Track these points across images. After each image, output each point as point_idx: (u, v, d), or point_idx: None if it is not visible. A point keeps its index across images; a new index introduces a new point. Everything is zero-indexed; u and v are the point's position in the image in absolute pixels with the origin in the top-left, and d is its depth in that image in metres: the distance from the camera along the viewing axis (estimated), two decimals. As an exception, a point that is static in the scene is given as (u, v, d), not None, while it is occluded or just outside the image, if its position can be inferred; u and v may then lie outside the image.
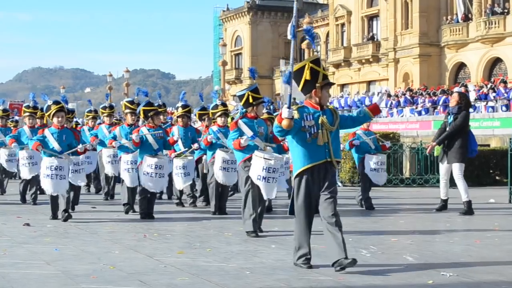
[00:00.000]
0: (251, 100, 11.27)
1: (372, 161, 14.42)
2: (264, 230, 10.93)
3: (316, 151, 7.76)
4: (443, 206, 13.91)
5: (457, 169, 13.52)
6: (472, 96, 35.89)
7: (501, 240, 10.27)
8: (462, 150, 13.51)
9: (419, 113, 39.22)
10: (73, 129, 13.86)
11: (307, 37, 8.53)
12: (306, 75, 7.83)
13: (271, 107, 14.33)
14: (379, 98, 10.74)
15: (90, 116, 18.21)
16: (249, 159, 10.34)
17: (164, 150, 13.22)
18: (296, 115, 7.69)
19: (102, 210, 13.92)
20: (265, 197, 10.24)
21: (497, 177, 23.05)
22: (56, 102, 12.43)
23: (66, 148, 12.18)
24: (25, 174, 14.84)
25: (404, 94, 42.18)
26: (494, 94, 35.76)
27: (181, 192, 14.97)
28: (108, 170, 15.91)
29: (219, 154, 12.71)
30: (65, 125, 12.48)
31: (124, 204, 13.47)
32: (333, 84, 8.11)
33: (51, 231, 10.86)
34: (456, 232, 11.02)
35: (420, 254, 8.86)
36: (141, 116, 13.15)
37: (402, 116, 40.29)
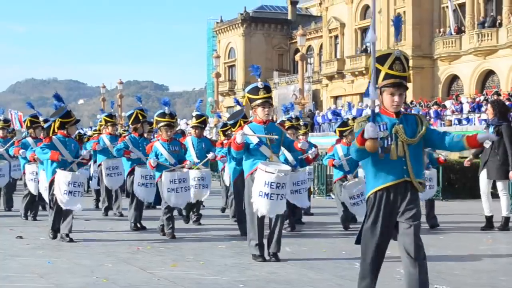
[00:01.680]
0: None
1: None
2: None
3: (390, 168, 6.28)
4: (489, 224, 12.92)
5: (504, 185, 12.97)
6: (466, 108, 36.02)
7: (494, 252, 10.28)
8: (506, 167, 12.64)
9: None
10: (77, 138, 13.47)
11: (392, 25, 7.29)
12: (369, 75, 6.52)
13: (294, 114, 13.49)
14: (487, 136, 6.73)
15: (109, 124, 16.44)
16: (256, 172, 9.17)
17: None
18: (382, 134, 6.20)
19: (96, 223, 13.86)
20: (266, 215, 9.06)
21: (491, 190, 23.00)
22: (71, 111, 11.72)
23: (74, 157, 11.31)
24: (33, 189, 13.83)
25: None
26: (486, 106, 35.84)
27: (192, 206, 13.72)
28: (107, 183, 15.01)
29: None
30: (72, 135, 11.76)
31: (132, 223, 12.80)
32: (399, 84, 6.35)
33: (44, 243, 10.83)
34: (450, 245, 11.02)
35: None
36: (154, 125, 12.42)
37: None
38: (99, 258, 9.40)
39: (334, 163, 12.89)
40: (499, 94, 36.97)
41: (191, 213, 13.76)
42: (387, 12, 54.24)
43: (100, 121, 17.17)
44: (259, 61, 72.07)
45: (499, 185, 12.94)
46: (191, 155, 13.44)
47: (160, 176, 11.52)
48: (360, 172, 13.22)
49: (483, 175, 12.98)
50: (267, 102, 9.45)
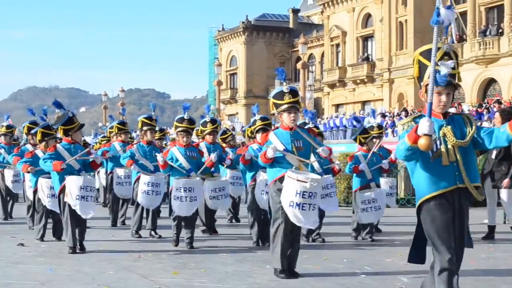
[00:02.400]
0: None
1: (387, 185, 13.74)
2: (259, 249, 10.92)
3: (441, 174, 5.81)
4: (490, 234, 12.91)
5: (509, 195, 12.65)
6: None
7: (496, 261, 10.27)
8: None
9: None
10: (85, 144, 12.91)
11: (445, 19, 6.11)
12: (415, 71, 6.07)
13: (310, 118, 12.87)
14: None
15: (122, 131, 16.06)
16: (281, 179, 8.58)
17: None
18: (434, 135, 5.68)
19: (97, 230, 13.85)
20: (300, 225, 8.48)
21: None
22: (74, 115, 11.12)
23: (81, 165, 10.85)
24: (31, 195, 13.22)
25: (399, 115, 42.26)
26: (488, 114, 35.86)
27: (212, 218, 13.51)
28: (117, 191, 14.57)
29: (263, 176, 11.21)
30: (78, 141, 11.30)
31: (134, 230, 12.71)
32: (447, 82, 5.80)
33: (45, 251, 10.83)
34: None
35: (415, 275, 8.84)
36: (174, 130, 11.87)
37: (396, 136, 40.36)
38: (100, 265, 9.40)
39: (360, 167, 12.45)
40: (500, 103, 36.99)
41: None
42: (388, 20, 54.30)
43: (110, 128, 16.90)
44: (260, 69, 72.34)
45: (504, 194, 12.77)
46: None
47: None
48: (382, 182, 13.41)
49: (487, 185, 12.92)
50: (294, 107, 8.76)
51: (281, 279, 8.42)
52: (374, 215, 12.39)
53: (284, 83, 8.91)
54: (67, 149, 10.78)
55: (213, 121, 13.79)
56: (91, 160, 10.91)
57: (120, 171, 14.39)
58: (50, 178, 11.35)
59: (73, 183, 10.47)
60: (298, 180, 8.25)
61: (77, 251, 10.57)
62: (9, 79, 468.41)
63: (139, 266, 9.38)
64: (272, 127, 11.41)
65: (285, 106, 8.72)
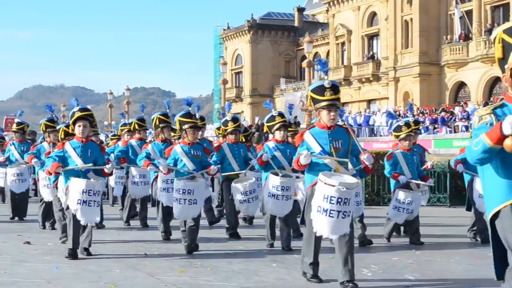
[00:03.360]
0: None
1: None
2: (264, 248, 10.92)
3: None
4: None
5: None
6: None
7: None
8: None
9: (419, 132, 39.19)
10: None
11: None
12: (498, 51, 5.03)
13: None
14: None
15: (125, 130, 16.06)
16: None
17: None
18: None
19: (103, 228, 13.86)
20: (327, 236, 7.76)
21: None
22: (82, 109, 10.19)
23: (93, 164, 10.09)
24: (46, 195, 13.06)
25: (406, 113, 42.22)
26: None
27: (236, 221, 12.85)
28: (132, 192, 14.08)
29: (271, 179, 10.74)
30: (91, 138, 10.61)
31: (162, 232, 12.13)
32: None
33: (51, 249, 10.84)
34: (457, 251, 11.00)
35: (421, 273, 8.84)
36: (177, 127, 11.11)
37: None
38: (106, 264, 9.40)
39: (402, 180, 11.72)
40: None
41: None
42: (394, 19, 54.24)
43: (122, 126, 16.60)
44: (265, 68, 72.31)
45: None
46: (231, 163, 12.41)
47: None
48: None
49: None
50: (334, 105, 7.92)
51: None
52: (403, 217, 11.88)
53: (326, 77, 8.16)
54: (75, 147, 9.96)
55: (235, 119, 12.92)
56: (102, 167, 10.07)
57: (134, 171, 13.86)
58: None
59: (75, 186, 9.78)
60: (326, 184, 7.50)
61: (79, 256, 9.87)
62: (15, 78, 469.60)
63: (146, 265, 9.38)
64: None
65: (325, 103, 7.88)
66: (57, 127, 12.10)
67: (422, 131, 38.77)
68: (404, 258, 10.08)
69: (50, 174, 11.42)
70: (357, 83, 60.76)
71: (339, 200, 7.45)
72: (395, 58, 54.23)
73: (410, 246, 11.53)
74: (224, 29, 78.58)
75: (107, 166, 10.06)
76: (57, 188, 11.25)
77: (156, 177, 12.53)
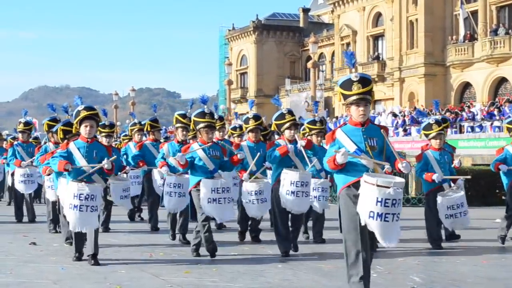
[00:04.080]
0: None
1: None
2: (270, 251, 10.91)
3: None
4: None
5: None
6: (479, 115, 35.97)
7: (508, 260, 10.24)
8: None
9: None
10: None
11: None
12: None
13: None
14: None
15: (136, 129, 15.76)
16: (355, 185, 7.16)
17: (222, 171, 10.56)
18: None
19: (108, 229, 13.85)
20: (383, 243, 7.07)
21: (503, 197, 22.96)
22: (88, 108, 9.74)
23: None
24: (51, 196, 12.67)
25: (411, 114, 42.16)
26: (499, 113, 35.74)
27: (255, 223, 12.26)
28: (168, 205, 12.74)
29: (286, 175, 10.38)
30: (96, 138, 10.12)
31: (173, 234, 12.15)
32: None
33: (57, 250, 10.85)
34: (463, 252, 10.98)
35: (427, 274, 8.84)
36: (192, 127, 10.69)
37: (407, 135, 40.27)
38: (112, 264, 9.40)
39: (436, 179, 11.30)
40: (511, 102, 36.84)
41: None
42: (399, 19, 54.17)
43: (131, 126, 16.30)
44: (270, 69, 72.28)
45: None
46: (249, 163, 11.73)
47: (196, 185, 10.12)
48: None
49: None
50: (364, 99, 7.31)
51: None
52: (461, 221, 11.40)
53: (353, 70, 7.57)
54: (80, 148, 9.53)
55: (256, 117, 12.24)
56: (101, 164, 9.54)
57: (157, 174, 13.19)
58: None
59: (67, 190, 9.45)
60: (378, 186, 6.86)
61: (83, 259, 9.59)
62: (21, 79, 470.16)
63: (151, 266, 9.38)
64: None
65: (354, 97, 7.30)
66: (55, 127, 11.82)
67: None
68: (410, 259, 10.07)
69: (49, 174, 11.70)
70: (362, 84, 60.65)
71: (394, 202, 6.90)
72: (400, 59, 54.16)
73: (415, 247, 11.52)
74: (229, 30, 78.57)
75: (104, 161, 9.44)
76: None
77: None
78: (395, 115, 42.66)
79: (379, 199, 6.83)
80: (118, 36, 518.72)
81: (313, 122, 12.17)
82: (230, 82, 60.52)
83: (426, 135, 11.75)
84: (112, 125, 13.68)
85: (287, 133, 10.72)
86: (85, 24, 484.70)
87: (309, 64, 45.75)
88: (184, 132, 11.78)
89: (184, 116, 11.69)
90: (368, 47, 60.58)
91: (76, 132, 10.22)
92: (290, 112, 10.81)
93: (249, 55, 75.21)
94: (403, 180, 7.14)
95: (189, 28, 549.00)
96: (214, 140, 10.66)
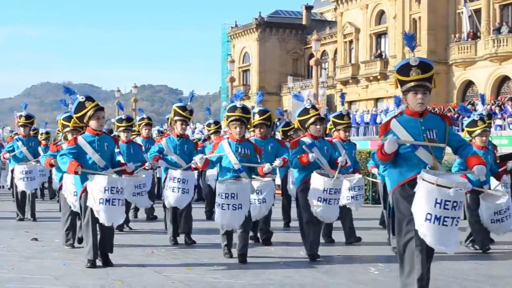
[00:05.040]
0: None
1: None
2: (272, 248, 10.91)
3: None
4: None
5: None
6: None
7: (509, 258, 10.22)
8: None
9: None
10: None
11: None
12: None
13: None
14: None
15: (143, 124, 15.39)
16: (411, 183, 6.51)
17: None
18: None
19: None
20: (437, 248, 6.36)
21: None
22: (90, 98, 9.03)
23: (109, 162, 9.06)
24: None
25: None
26: (501, 112, 35.75)
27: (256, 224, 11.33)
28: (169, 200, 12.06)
29: (317, 180, 9.60)
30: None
31: (170, 237, 11.22)
32: None
33: (59, 246, 10.84)
34: (465, 249, 10.97)
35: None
36: (225, 122, 10.11)
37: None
38: (114, 260, 9.37)
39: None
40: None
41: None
42: (402, 17, 54.16)
43: (140, 120, 15.86)
44: (273, 66, 72.30)
45: None
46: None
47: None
48: (493, 182, 10.98)
49: None
50: (422, 86, 6.55)
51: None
52: (507, 225, 10.61)
53: (412, 54, 6.89)
54: (90, 142, 8.90)
55: (262, 111, 11.48)
56: (123, 167, 9.22)
57: (175, 173, 11.11)
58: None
59: (95, 184, 8.72)
60: (438, 185, 6.12)
61: (98, 264, 8.98)
62: (23, 76, 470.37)
63: (153, 262, 9.39)
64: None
65: (411, 84, 6.57)
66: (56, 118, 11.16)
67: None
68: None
69: (51, 166, 11.00)
70: (364, 82, 60.65)
71: (455, 204, 6.16)
72: (403, 57, 54.03)
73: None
74: (232, 27, 78.56)
75: (129, 165, 9.27)
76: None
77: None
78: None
79: (438, 200, 6.13)
80: (120, 33, 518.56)
81: (340, 116, 11.70)
82: (232, 80, 60.59)
83: (470, 133, 10.79)
84: (129, 119, 13.41)
85: (312, 129, 9.93)
86: (87, 22, 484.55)
87: (312, 62, 45.79)
88: (183, 126, 11.16)
89: (184, 108, 11.16)
90: (371, 45, 60.52)
91: (76, 126, 9.93)
92: (314, 106, 10.16)
93: (251, 52, 75.19)
94: (465, 180, 6.48)
95: (191, 25, 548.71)
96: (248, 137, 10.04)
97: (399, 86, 6.72)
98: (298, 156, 9.74)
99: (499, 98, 43.29)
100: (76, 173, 8.64)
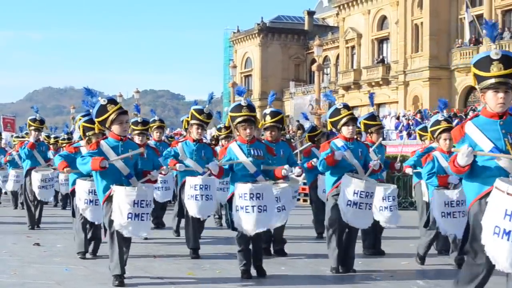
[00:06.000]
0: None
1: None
2: (274, 253, 10.88)
3: None
4: None
5: None
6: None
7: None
8: None
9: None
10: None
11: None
12: None
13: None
14: None
15: (155, 126, 14.45)
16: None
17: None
18: None
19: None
20: (502, 266, 5.35)
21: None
22: (112, 101, 8.27)
23: (133, 170, 8.21)
24: (88, 213, 10.00)
25: (415, 117, 42.14)
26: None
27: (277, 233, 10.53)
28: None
29: (348, 182, 8.83)
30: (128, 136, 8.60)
31: (191, 249, 10.38)
32: None
33: (61, 251, 10.86)
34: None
35: (430, 278, 8.82)
36: (227, 123, 9.64)
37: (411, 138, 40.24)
38: (116, 265, 9.40)
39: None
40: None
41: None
42: (404, 22, 54.18)
43: (152, 122, 14.49)
44: (275, 71, 72.30)
45: None
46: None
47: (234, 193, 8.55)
48: None
49: None
50: (504, 84, 5.70)
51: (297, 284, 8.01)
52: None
53: (493, 46, 5.93)
54: (114, 147, 8.11)
55: (273, 113, 10.62)
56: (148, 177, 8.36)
57: (196, 180, 10.32)
58: (90, 179, 9.43)
59: (122, 196, 7.90)
60: (508, 194, 5.23)
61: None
62: (25, 80, 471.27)
63: (155, 267, 9.38)
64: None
65: (492, 81, 5.73)
66: (78, 124, 10.28)
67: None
68: (414, 262, 10.03)
69: (62, 169, 10.31)
70: (366, 87, 60.62)
71: None
72: (405, 62, 54.15)
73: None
74: (234, 32, 78.62)
75: (152, 173, 8.35)
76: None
77: (184, 182, 10.50)
78: (398, 118, 42.61)
79: (509, 212, 5.24)
80: (122, 38, 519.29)
81: (372, 118, 10.98)
82: (234, 85, 60.50)
83: (432, 133, 9.94)
84: (145, 122, 12.97)
85: (344, 131, 9.06)
86: (90, 25, 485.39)
87: (314, 67, 45.77)
88: (199, 130, 10.52)
89: (201, 112, 10.48)
90: (373, 50, 60.56)
91: (99, 131, 9.22)
92: (346, 106, 9.25)
93: (253, 57, 75.24)
94: None
95: (194, 31, 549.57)
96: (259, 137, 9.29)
97: (476, 82, 5.90)
98: (325, 157, 8.93)
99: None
100: (102, 168, 7.80)
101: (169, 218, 13.87)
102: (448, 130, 9.30)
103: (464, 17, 50.47)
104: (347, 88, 62.78)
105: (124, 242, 8.09)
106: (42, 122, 14.10)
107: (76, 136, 17.50)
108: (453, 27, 52.29)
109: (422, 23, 52.95)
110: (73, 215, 10.41)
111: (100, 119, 8.13)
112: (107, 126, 8.14)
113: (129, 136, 11.78)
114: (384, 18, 59.50)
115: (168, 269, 9.19)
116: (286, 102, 70.85)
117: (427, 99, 51.49)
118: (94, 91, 8.45)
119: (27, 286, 7.94)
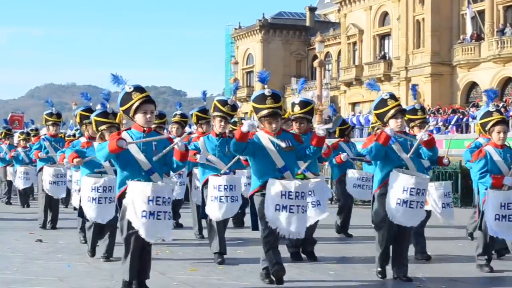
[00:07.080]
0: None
1: None
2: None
3: None
4: None
5: None
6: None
7: (514, 260, 10.21)
8: None
9: (431, 132, 39.12)
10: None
11: None
12: None
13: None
14: None
15: (173, 122, 13.62)
16: None
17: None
18: None
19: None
20: None
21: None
22: (139, 88, 7.45)
23: (157, 166, 7.32)
24: (91, 213, 9.50)
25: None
26: (505, 113, 35.74)
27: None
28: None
29: (397, 178, 8.13)
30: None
31: (215, 253, 9.53)
32: None
33: (63, 247, 10.86)
34: (469, 251, 10.95)
35: (433, 273, 8.82)
36: (248, 114, 8.85)
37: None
38: (118, 262, 9.39)
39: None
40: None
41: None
42: (405, 18, 54.12)
43: (173, 116, 13.76)
44: (277, 68, 72.20)
45: None
46: None
47: (260, 188, 7.85)
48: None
49: None
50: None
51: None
52: None
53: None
54: (138, 138, 7.30)
55: (303, 103, 9.74)
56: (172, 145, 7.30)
57: (219, 180, 9.59)
58: (98, 175, 9.20)
59: (137, 192, 7.09)
60: None
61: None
62: (27, 77, 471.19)
63: (157, 263, 9.35)
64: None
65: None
66: (91, 117, 9.70)
67: (434, 131, 38.69)
68: (417, 259, 10.03)
69: (72, 160, 9.62)
70: (368, 83, 60.65)
71: None
72: (406, 58, 54.12)
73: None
74: (236, 29, 78.58)
75: (177, 139, 7.30)
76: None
77: (207, 181, 9.76)
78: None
79: None
80: (124, 34, 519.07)
81: (413, 111, 10.09)
82: (236, 81, 60.52)
83: (483, 126, 9.14)
84: (161, 116, 12.54)
85: (393, 123, 8.28)
86: (91, 22, 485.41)
87: (316, 63, 45.75)
88: (223, 123, 9.75)
89: (224, 103, 9.77)
90: (375, 46, 60.55)
91: (112, 122, 8.80)
92: (392, 96, 8.48)
93: (255, 53, 75.21)
94: None
95: (195, 27, 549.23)
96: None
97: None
98: (378, 137, 8.23)
99: (504, 99, 43.23)
100: (120, 148, 6.92)
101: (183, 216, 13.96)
102: (501, 122, 8.90)
103: (466, 13, 50.42)
104: (348, 84, 62.79)
105: (141, 248, 7.33)
106: (59, 115, 13.56)
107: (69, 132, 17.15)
108: (455, 23, 52.23)
109: (423, 19, 52.90)
110: (80, 215, 9.92)
111: (124, 107, 7.41)
112: (130, 115, 7.38)
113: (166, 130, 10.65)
114: (385, 14, 59.48)
115: (170, 265, 9.19)
116: (288, 98, 70.76)
117: (429, 95, 51.46)
118: (120, 77, 7.62)
119: (30, 283, 7.94)
